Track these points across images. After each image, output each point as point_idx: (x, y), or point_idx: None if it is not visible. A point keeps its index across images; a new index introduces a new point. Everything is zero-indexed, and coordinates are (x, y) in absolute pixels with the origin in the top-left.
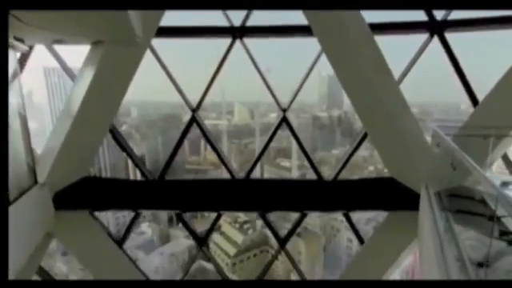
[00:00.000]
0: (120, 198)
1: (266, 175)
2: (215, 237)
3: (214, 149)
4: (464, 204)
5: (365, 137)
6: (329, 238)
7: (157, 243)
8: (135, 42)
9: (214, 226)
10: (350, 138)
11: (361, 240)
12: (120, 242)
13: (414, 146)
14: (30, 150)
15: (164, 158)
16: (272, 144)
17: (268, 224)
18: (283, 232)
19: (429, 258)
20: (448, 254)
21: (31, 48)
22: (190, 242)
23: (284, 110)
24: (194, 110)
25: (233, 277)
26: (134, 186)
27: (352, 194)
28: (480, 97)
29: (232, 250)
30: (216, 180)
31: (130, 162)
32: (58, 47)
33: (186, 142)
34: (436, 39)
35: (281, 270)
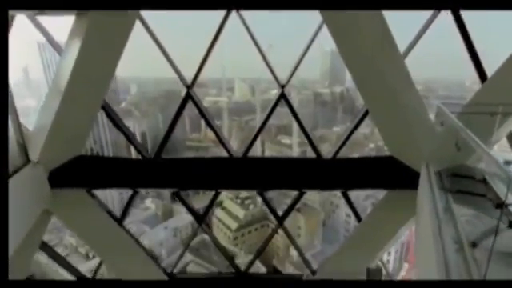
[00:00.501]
0: (116, 177)
1: (267, 153)
2: (217, 212)
3: (211, 126)
4: (464, 184)
5: (366, 114)
6: (328, 214)
7: (161, 218)
8: (122, 12)
9: (212, 204)
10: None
11: (358, 218)
12: (120, 219)
13: (416, 124)
14: (18, 127)
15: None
16: (273, 121)
17: (266, 202)
18: (283, 207)
19: (426, 237)
20: (446, 235)
21: (12, 18)
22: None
23: (282, 86)
24: (189, 87)
25: (235, 249)
26: (130, 165)
27: (351, 172)
28: (489, 73)
29: (234, 225)
30: (213, 158)
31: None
32: (45, 21)
33: (186, 120)
34: (444, 11)
35: (281, 243)
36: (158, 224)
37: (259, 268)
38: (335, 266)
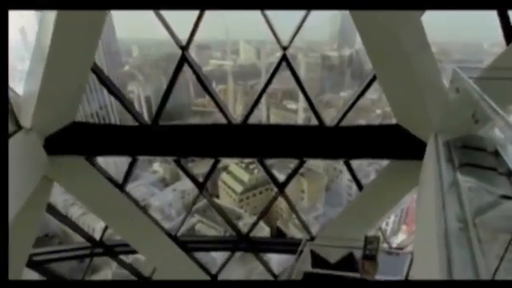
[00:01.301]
0: (113, 144)
1: (272, 118)
2: (223, 175)
3: (207, 90)
4: (474, 156)
5: (374, 78)
6: (331, 178)
7: (169, 181)
8: None
9: (211, 172)
10: (359, 80)
11: (360, 186)
12: (121, 185)
13: (427, 90)
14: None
15: (171, 99)
16: (278, 86)
17: (267, 170)
18: (287, 171)
19: (428, 210)
20: (449, 209)
21: None
22: (200, 180)
23: (285, 48)
24: (184, 48)
25: (240, 211)
26: (126, 132)
27: (354, 141)
28: None
29: (239, 188)
30: (212, 125)
31: (137, 104)
32: None
33: (190, 84)
34: None
35: (284, 206)
36: (166, 186)
37: (263, 229)
38: (335, 231)
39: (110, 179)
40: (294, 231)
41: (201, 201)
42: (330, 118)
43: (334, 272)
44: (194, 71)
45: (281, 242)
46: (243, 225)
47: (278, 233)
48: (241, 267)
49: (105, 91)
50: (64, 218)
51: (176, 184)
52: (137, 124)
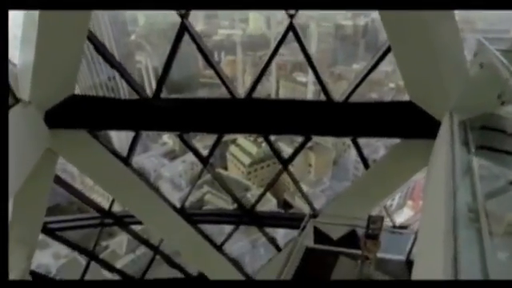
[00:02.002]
0: (114, 118)
1: (282, 91)
2: (232, 148)
3: (209, 62)
4: (492, 138)
5: (389, 49)
6: (339, 153)
7: (178, 152)
8: None
9: (215, 147)
10: (374, 51)
11: (366, 165)
12: (126, 158)
13: (446, 64)
14: None
15: (178, 71)
16: (288, 57)
17: (271, 146)
18: (295, 145)
19: (437, 195)
20: (460, 196)
21: None
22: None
23: (291, 16)
24: (183, 16)
25: (248, 183)
26: (127, 105)
27: (363, 118)
28: None
29: (247, 160)
30: (215, 99)
31: (145, 75)
32: None
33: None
34: None
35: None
36: (176, 158)
37: (270, 200)
38: (339, 208)
39: (114, 152)
40: (300, 204)
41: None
42: (341, 91)
43: (336, 248)
44: (195, 41)
45: (284, 217)
46: (251, 196)
47: (284, 205)
48: (245, 238)
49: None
50: (72, 189)
51: (185, 156)
52: (138, 98)
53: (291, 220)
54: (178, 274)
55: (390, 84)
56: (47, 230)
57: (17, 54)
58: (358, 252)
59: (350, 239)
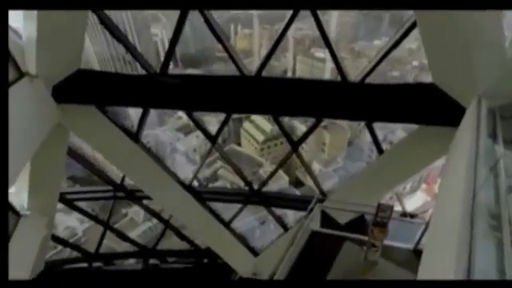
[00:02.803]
0: (121, 94)
1: (299, 66)
2: (246, 124)
3: (217, 36)
4: None
5: (415, 25)
6: (355, 133)
7: (193, 127)
8: None
9: (223, 126)
10: (398, 26)
11: (380, 150)
12: (135, 134)
13: (479, 43)
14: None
15: (195, 45)
16: (307, 32)
17: (281, 127)
18: (308, 124)
19: (454, 187)
20: (481, 192)
21: None
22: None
23: None
24: None
25: (261, 160)
26: (133, 81)
27: (380, 100)
28: None
29: (260, 137)
30: (223, 77)
31: (161, 48)
32: None
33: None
34: None
35: (305, 156)
36: (191, 132)
37: (283, 177)
38: (349, 191)
39: (124, 128)
40: (311, 182)
41: (225, 147)
42: (359, 69)
43: (342, 233)
44: (202, 13)
45: (293, 199)
46: (263, 172)
47: (296, 182)
48: (252, 215)
49: (132, 35)
50: (86, 162)
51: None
52: (145, 73)
53: (299, 202)
54: (187, 246)
55: (413, 62)
56: (65, 200)
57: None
58: (365, 238)
59: (358, 224)
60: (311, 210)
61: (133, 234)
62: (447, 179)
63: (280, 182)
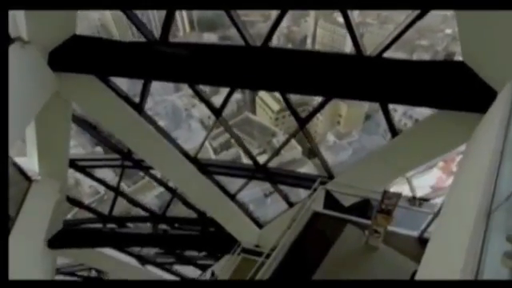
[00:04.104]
0: (119, 63)
1: (319, 32)
2: (261, 92)
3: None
4: None
5: None
6: (373, 107)
7: (208, 93)
8: None
9: (227, 100)
10: None
11: (394, 133)
12: (139, 105)
13: None
14: None
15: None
16: None
17: (288, 105)
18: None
19: (473, 181)
20: (501, 188)
21: None
22: (238, 96)
23: None
24: None
25: (275, 129)
26: (132, 48)
27: (398, 79)
28: None
29: (276, 107)
30: (226, 46)
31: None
32: None
33: None
34: None
35: (319, 127)
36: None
37: (296, 148)
38: (359, 173)
39: (127, 98)
40: (325, 153)
41: (238, 116)
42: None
43: (344, 216)
44: None
45: (298, 177)
46: (276, 142)
47: (309, 153)
48: (258, 186)
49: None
50: (94, 131)
51: (214, 98)
52: (144, 40)
53: (304, 180)
54: (193, 214)
55: (446, 30)
56: (77, 167)
57: None
58: (368, 222)
59: (363, 207)
60: (315, 189)
61: (151, 195)
62: (466, 168)
63: (293, 152)
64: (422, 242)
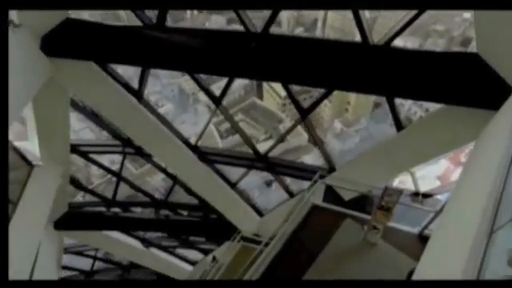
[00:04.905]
0: (114, 47)
1: (330, 15)
2: None
3: None
4: None
5: None
6: None
7: (215, 78)
8: None
9: (224, 93)
10: None
11: (399, 126)
12: (137, 91)
13: None
14: None
15: None
16: None
17: (290, 94)
18: None
19: (480, 180)
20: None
21: None
22: (245, 81)
23: None
24: None
25: (282, 115)
26: (127, 33)
27: (406, 71)
28: None
29: (283, 93)
30: (224, 32)
31: None
32: None
33: None
34: None
35: (327, 114)
36: (213, 83)
37: (301, 134)
38: (359, 168)
39: (126, 85)
40: (331, 141)
41: (245, 100)
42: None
43: (342, 209)
44: None
45: (299, 168)
46: (283, 128)
47: (314, 140)
48: (258, 175)
49: None
50: (96, 119)
51: (221, 82)
52: (139, 25)
53: (306, 171)
54: (194, 200)
55: (464, 14)
56: (80, 152)
57: None
58: (367, 217)
59: (363, 201)
60: (315, 181)
61: (158, 177)
62: (473, 168)
63: (299, 139)
64: (422, 239)
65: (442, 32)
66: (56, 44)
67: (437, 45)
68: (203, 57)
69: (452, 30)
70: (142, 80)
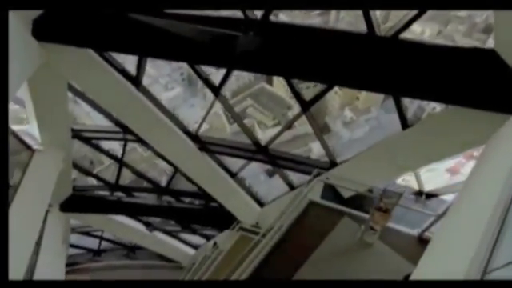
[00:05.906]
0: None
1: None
2: None
3: None
4: None
5: None
6: None
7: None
8: None
9: (222, 84)
10: None
11: (405, 124)
12: (136, 78)
13: None
14: None
15: None
16: None
17: (291, 87)
18: None
19: (488, 184)
20: None
21: None
22: None
23: None
24: None
25: (291, 102)
26: (122, 19)
27: (415, 67)
28: None
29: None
30: (219, 18)
31: None
32: None
33: None
34: None
35: (337, 102)
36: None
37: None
38: (361, 166)
39: (124, 72)
40: (340, 129)
41: (254, 86)
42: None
43: (340, 207)
44: None
45: (299, 161)
46: (291, 115)
47: (324, 127)
48: (260, 166)
49: None
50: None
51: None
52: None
53: (306, 165)
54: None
55: None
56: (83, 138)
57: None
58: (365, 216)
59: (361, 201)
60: (314, 176)
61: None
62: (481, 172)
63: (306, 126)
64: (422, 241)
65: (463, 18)
66: (48, 28)
67: (457, 31)
68: (196, 46)
69: (474, 16)
70: (140, 66)
